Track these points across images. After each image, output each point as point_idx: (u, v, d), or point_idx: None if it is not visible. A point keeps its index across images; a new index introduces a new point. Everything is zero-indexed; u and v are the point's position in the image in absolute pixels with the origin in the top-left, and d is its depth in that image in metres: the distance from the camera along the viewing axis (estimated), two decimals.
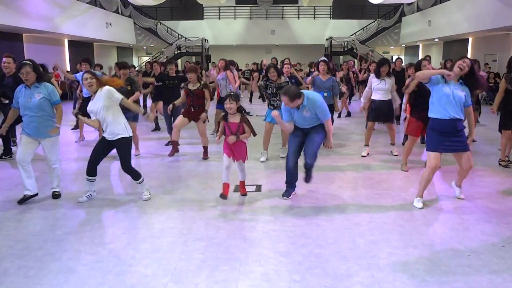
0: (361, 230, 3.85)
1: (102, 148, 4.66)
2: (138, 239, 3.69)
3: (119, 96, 4.53)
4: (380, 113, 6.81)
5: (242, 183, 4.89)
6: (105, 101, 4.43)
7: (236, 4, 26.13)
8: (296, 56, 23.61)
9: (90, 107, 4.53)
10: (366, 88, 7.08)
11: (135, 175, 4.70)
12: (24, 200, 4.62)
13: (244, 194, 4.85)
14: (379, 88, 6.76)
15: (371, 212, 4.31)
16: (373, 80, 6.84)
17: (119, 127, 4.53)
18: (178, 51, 24.44)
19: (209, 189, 5.08)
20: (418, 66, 5.91)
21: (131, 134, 4.64)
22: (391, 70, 7.03)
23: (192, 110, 6.57)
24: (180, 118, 6.65)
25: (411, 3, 22.23)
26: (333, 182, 5.38)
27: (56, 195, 4.81)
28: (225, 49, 26.27)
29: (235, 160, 4.69)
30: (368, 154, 6.93)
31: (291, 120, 4.66)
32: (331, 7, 25.52)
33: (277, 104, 6.54)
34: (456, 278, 3.00)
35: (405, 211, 4.35)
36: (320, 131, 4.66)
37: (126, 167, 4.63)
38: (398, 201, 4.64)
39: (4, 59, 6.34)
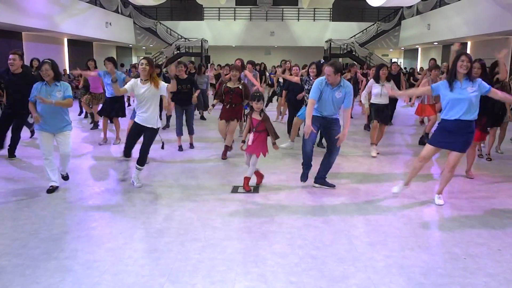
0: (358, 232, 3.86)
1: (135, 134, 5.18)
2: (135, 239, 3.70)
3: (165, 89, 5.07)
4: (380, 114, 7.10)
5: (248, 180, 5.06)
6: (154, 90, 4.99)
7: (236, 5, 26.16)
8: (295, 58, 23.65)
9: (139, 90, 5.00)
10: (364, 92, 7.21)
11: (143, 161, 5.16)
12: (52, 191, 4.90)
13: (248, 191, 5.00)
14: (378, 93, 7.05)
15: (368, 214, 4.32)
16: (373, 86, 7.03)
17: (154, 118, 5.07)
18: (178, 52, 24.44)
19: (206, 190, 5.09)
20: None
21: (159, 126, 5.17)
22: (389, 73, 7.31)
23: (228, 107, 6.67)
24: (220, 123, 6.78)
25: (410, 7, 22.30)
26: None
27: (65, 177, 5.20)
28: (224, 50, 26.32)
29: (251, 154, 5.00)
30: (378, 153, 7.08)
31: (316, 99, 4.96)
32: (331, 10, 25.58)
33: None
34: (452, 281, 3.01)
35: (402, 213, 4.36)
36: (338, 127, 5.10)
37: (144, 150, 5.14)
38: (395, 204, 4.65)
39: (10, 55, 6.33)
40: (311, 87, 6.69)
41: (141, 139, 5.20)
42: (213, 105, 7.07)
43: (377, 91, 7.04)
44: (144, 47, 27.80)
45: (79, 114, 11.56)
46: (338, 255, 3.40)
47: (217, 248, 3.50)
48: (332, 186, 5.18)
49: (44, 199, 4.69)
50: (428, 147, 4.61)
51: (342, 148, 5.32)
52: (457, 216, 4.30)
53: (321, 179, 5.22)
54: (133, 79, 5.20)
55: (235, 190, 5.09)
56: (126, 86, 5.13)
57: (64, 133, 4.99)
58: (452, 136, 4.40)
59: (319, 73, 6.66)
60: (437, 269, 3.18)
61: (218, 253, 3.41)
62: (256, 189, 5.13)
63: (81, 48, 20.81)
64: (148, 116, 5.04)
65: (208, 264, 3.23)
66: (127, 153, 5.32)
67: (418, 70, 20.04)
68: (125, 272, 3.10)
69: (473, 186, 5.34)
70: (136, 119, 5.14)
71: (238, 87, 6.64)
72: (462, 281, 3.01)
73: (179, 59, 8.22)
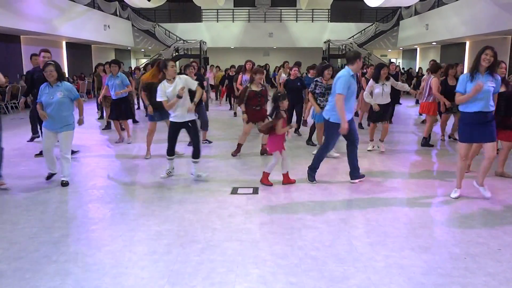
0: (358, 233, 3.86)
1: (175, 133, 5.48)
2: (135, 241, 3.69)
3: (195, 83, 5.45)
4: (379, 114, 7.18)
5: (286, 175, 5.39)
6: (183, 85, 5.26)
7: (234, 6, 26.19)
8: (294, 59, 23.65)
9: (168, 91, 5.25)
10: (366, 92, 7.21)
11: (198, 153, 5.49)
12: (49, 177, 5.44)
13: (290, 182, 5.38)
14: (379, 93, 7.11)
15: (368, 214, 4.32)
16: (374, 86, 7.07)
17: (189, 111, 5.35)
18: (176, 53, 24.46)
19: (206, 191, 5.08)
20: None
21: (196, 116, 5.47)
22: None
23: (258, 109, 6.72)
24: (248, 126, 6.86)
25: (409, 7, 22.34)
26: (330, 184, 5.38)
27: (64, 183, 5.27)
28: (223, 51, 26.34)
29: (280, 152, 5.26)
30: (373, 147, 7.44)
31: (346, 93, 5.09)
32: (329, 10, 25.61)
33: (323, 104, 6.68)
34: (452, 281, 3.01)
35: (402, 213, 4.36)
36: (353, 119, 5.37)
37: (197, 143, 5.48)
38: (395, 204, 4.65)
39: (42, 53, 6.55)
40: (323, 90, 6.78)
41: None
42: (244, 112, 6.83)
43: (378, 91, 7.10)
44: (142, 50, 27.83)
45: (99, 118, 11.69)
46: (338, 255, 3.40)
47: (217, 250, 3.50)
48: (363, 176, 5.55)
49: (43, 202, 4.69)
50: (461, 145, 4.72)
51: (341, 149, 5.37)
52: (457, 216, 4.30)
53: (357, 171, 5.47)
54: (160, 85, 5.32)
55: (234, 191, 5.09)
56: (161, 96, 5.26)
57: (66, 132, 5.28)
58: (478, 129, 4.53)
59: (332, 76, 6.72)
60: (437, 268, 3.18)
61: (218, 255, 3.41)
62: (255, 190, 5.13)
63: (80, 51, 20.84)
64: (183, 112, 5.31)
65: (208, 265, 3.23)
66: (171, 153, 5.59)
67: (418, 70, 20.08)
68: (125, 275, 3.10)
69: (474, 186, 5.33)
70: (172, 119, 5.41)
71: (263, 89, 6.76)
72: (462, 280, 3.01)
73: (188, 62, 8.24)
